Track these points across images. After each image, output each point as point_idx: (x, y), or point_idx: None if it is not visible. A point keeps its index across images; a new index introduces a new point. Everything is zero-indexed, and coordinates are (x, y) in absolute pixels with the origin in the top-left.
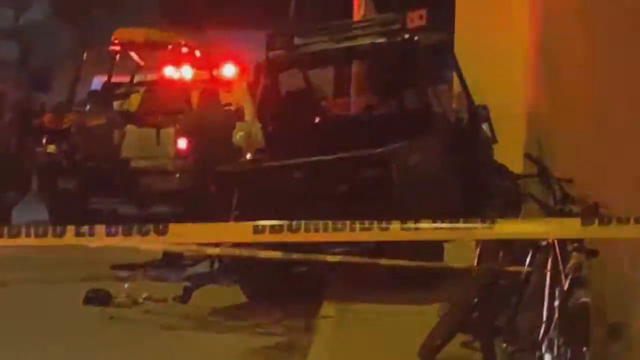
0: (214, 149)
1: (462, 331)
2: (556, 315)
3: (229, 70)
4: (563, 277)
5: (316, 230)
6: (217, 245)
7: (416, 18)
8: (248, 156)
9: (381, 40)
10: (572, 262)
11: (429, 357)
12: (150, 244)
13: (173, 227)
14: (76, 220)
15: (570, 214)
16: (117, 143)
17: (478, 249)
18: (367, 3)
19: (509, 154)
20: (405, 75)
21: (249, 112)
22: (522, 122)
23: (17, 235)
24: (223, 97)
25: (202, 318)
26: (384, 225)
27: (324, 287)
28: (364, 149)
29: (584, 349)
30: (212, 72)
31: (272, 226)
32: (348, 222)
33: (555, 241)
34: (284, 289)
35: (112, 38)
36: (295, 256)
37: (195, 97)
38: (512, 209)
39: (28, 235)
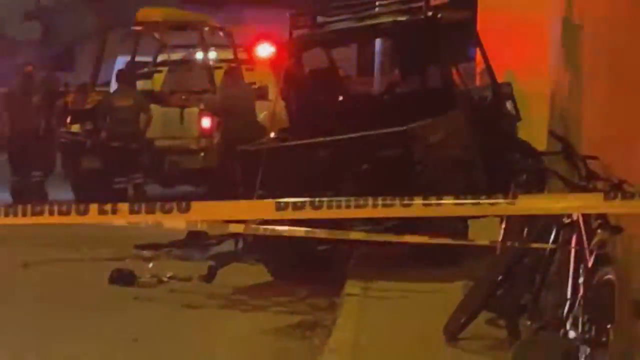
0: (237, 128)
1: (487, 309)
2: (581, 292)
3: (253, 50)
4: (587, 254)
5: (338, 207)
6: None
7: None
8: (272, 135)
9: (404, 17)
10: (596, 239)
11: (453, 334)
12: (173, 221)
13: (195, 205)
14: (100, 199)
15: (594, 192)
16: (142, 122)
17: (502, 226)
18: None
19: (533, 131)
20: (428, 53)
21: (272, 91)
22: (546, 99)
23: (40, 213)
24: (247, 76)
25: (226, 297)
26: (406, 201)
27: (347, 265)
28: (387, 127)
29: (609, 326)
30: (236, 52)
31: (294, 203)
32: (370, 199)
33: (580, 218)
34: (307, 267)
35: (135, 18)
36: (318, 233)
37: (218, 77)
38: (535, 186)
39: (52, 213)
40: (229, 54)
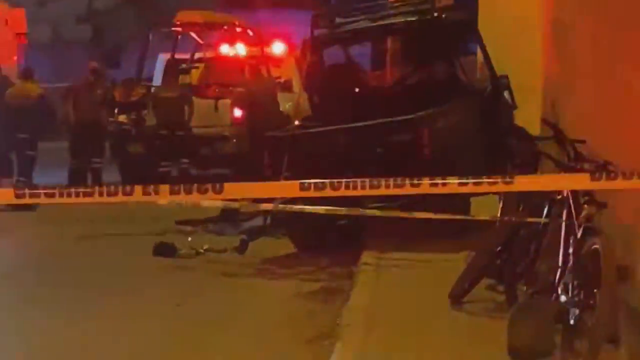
0: (264, 117)
1: (487, 276)
2: (570, 260)
3: (278, 47)
4: (576, 226)
5: (355, 187)
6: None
7: None
8: (296, 123)
9: (413, 18)
10: (584, 213)
11: (458, 299)
12: (208, 201)
13: (228, 186)
14: (145, 182)
15: (582, 172)
16: (186, 113)
17: (501, 203)
18: None
19: (528, 118)
20: (434, 50)
21: (296, 84)
22: (539, 89)
23: (91, 194)
24: (274, 71)
25: (256, 266)
26: (415, 181)
27: (364, 237)
28: (398, 115)
29: (595, 290)
30: (264, 49)
31: (316, 184)
32: (383, 180)
33: (569, 195)
34: (328, 240)
35: (174, 20)
36: (337, 210)
37: (248, 72)
38: (530, 167)
39: (101, 194)
40: (256, 52)
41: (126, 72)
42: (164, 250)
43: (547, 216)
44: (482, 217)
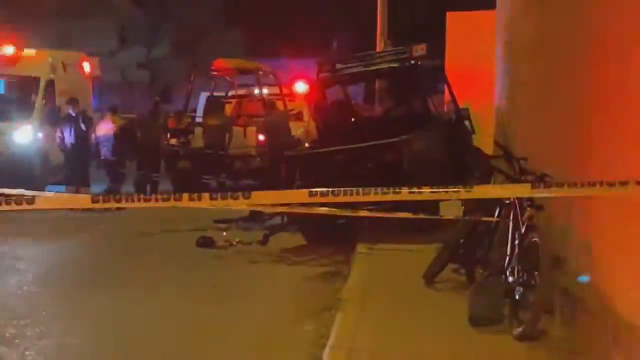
0: (281, 140)
1: (453, 262)
2: (516, 250)
3: (293, 87)
4: (520, 224)
5: (351, 194)
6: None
7: (419, 49)
8: (306, 145)
9: (396, 64)
10: (526, 214)
11: (430, 279)
12: (240, 205)
13: (255, 194)
14: (190, 190)
15: (525, 182)
16: (224, 138)
17: (463, 206)
18: (385, 40)
19: (483, 140)
20: (412, 88)
21: (306, 115)
22: (492, 119)
23: (149, 200)
24: (289, 105)
25: (276, 255)
26: (397, 190)
27: (358, 232)
28: (385, 138)
29: (536, 273)
30: (281, 88)
31: (321, 191)
32: (373, 189)
33: (515, 200)
34: (331, 234)
35: (213, 66)
36: (337, 212)
37: (269, 106)
38: (485, 178)
39: (157, 200)
40: (276, 90)
41: (176, 105)
42: (205, 242)
43: (498, 216)
44: (448, 217)
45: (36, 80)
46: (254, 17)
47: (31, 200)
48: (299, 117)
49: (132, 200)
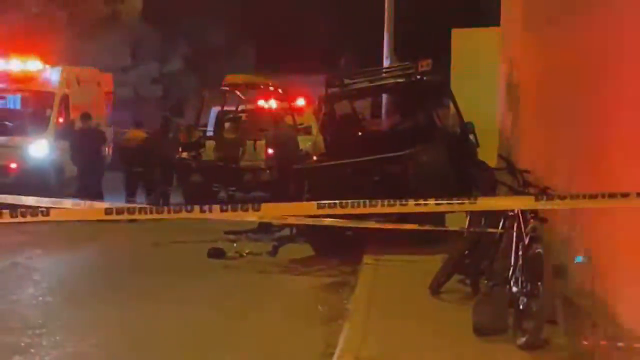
0: (289, 154)
1: (458, 272)
2: (520, 261)
3: (301, 102)
4: (524, 235)
5: (358, 206)
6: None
7: (425, 65)
8: (314, 158)
9: (402, 80)
10: (530, 226)
11: (436, 289)
12: (250, 217)
13: (264, 206)
14: (201, 202)
15: (528, 195)
16: (237, 151)
17: (468, 218)
18: (391, 56)
19: (488, 154)
20: (418, 103)
21: (314, 129)
22: (496, 133)
23: (161, 212)
24: (297, 119)
25: (285, 265)
26: (403, 202)
27: (365, 244)
28: (391, 152)
29: (539, 283)
30: (290, 103)
31: (329, 204)
32: (379, 201)
33: (519, 212)
34: (338, 245)
35: (223, 81)
36: (345, 223)
37: (278, 120)
38: (490, 191)
39: (169, 212)
40: (285, 105)
41: (187, 120)
42: (216, 253)
43: (502, 228)
44: (454, 228)
45: (51, 95)
46: (264, 34)
47: (46, 213)
48: (307, 131)
49: (145, 213)
